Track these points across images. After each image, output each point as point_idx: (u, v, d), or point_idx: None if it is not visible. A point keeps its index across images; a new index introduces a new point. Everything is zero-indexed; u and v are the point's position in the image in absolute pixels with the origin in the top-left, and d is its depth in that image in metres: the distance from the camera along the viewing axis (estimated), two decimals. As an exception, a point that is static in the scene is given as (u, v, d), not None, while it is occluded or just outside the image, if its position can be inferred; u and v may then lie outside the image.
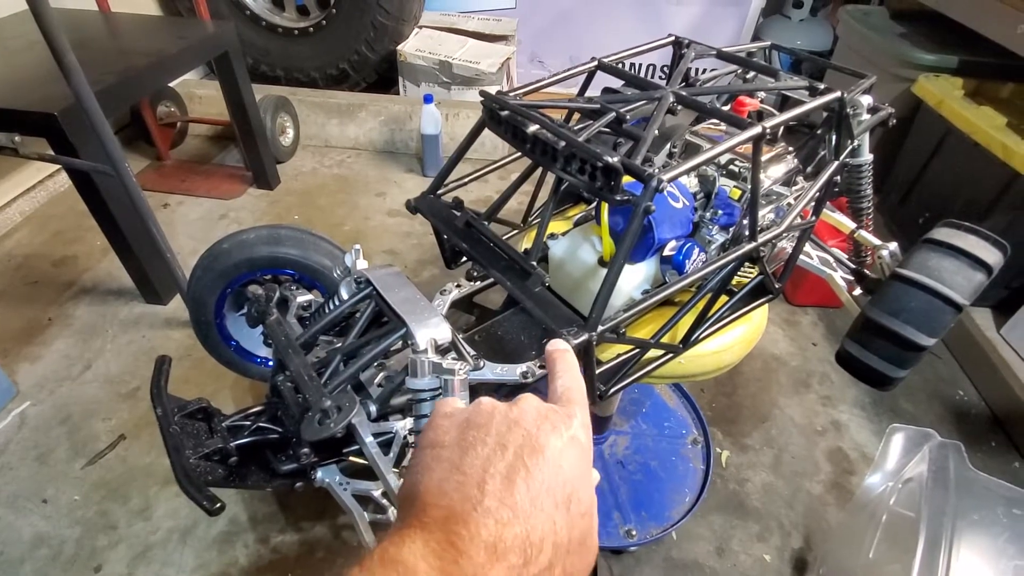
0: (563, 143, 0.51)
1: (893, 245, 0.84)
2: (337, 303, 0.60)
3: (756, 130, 0.54)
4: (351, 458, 0.55)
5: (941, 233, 0.74)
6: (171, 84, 2.10)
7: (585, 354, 0.53)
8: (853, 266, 0.91)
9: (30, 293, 1.54)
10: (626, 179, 0.52)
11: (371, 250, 1.76)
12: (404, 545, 0.26)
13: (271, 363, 0.88)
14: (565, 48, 2.70)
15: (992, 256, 0.71)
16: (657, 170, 0.49)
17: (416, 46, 2.27)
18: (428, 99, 1.98)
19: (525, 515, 0.28)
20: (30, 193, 1.83)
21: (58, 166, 1.78)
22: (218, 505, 0.44)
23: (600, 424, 1.14)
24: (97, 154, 1.15)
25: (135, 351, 1.39)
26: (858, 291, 0.89)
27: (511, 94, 0.63)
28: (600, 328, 0.51)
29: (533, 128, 0.54)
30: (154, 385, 0.52)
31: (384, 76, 2.37)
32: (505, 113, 0.57)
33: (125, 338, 1.42)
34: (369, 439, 0.50)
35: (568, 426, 0.32)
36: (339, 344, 0.56)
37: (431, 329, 0.46)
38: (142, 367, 1.35)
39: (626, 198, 0.50)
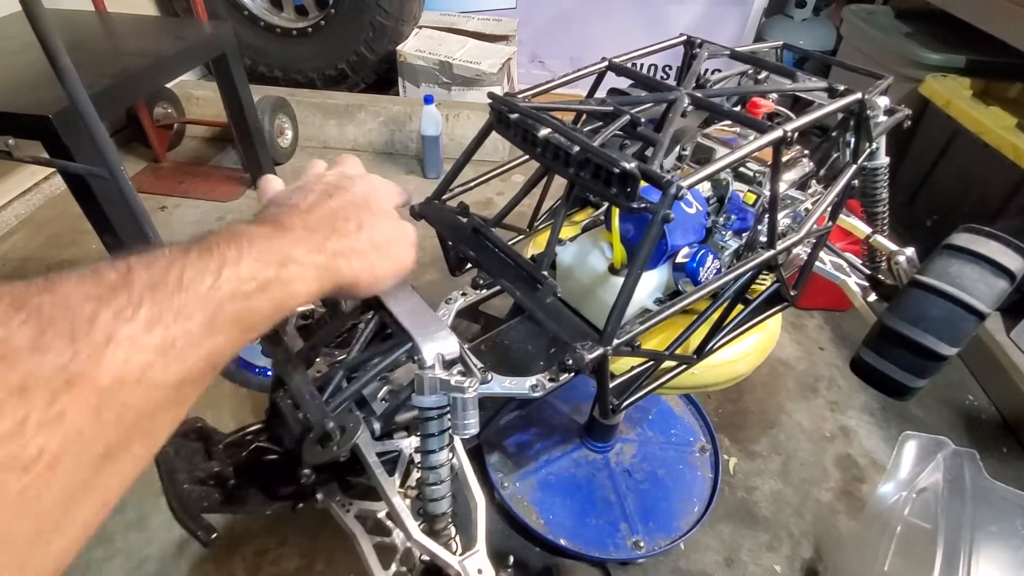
0: (577, 148, 0.49)
1: (910, 251, 0.82)
2: (339, 315, 0.58)
3: (777, 134, 0.52)
4: (353, 477, 0.53)
5: (962, 239, 0.72)
6: (168, 85, 2.07)
7: (600, 368, 0.51)
8: (867, 271, 0.88)
9: (24, 298, 1.51)
10: (641, 183, 0.49)
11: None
12: (240, 223, 0.36)
13: (269, 373, 0.86)
14: (566, 48, 2.68)
15: (1015, 263, 0.69)
16: (675, 176, 0.47)
17: (416, 46, 2.25)
18: (428, 100, 1.95)
19: (329, 206, 0.42)
20: (25, 196, 1.80)
21: (53, 169, 1.75)
22: (214, 535, 0.42)
23: (606, 432, 1.12)
24: (92, 157, 1.12)
25: (131, 357, 1.36)
26: (873, 297, 0.87)
27: (520, 96, 0.61)
28: (616, 342, 0.49)
29: (545, 132, 0.52)
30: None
31: (383, 77, 2.35)
32: (515, 116, 0.55)
33: (121, 344, 1.39)
34: (373, 459, 0.48)
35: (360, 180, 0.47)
36: (342, 357, 0.54)
37: (438, 343, 0.44)
38: (138, 374, 1.33)
39: (643, 205, 0.48)
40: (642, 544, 1.01)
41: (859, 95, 0.62)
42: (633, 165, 0.46)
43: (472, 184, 0.72)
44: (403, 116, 2.17)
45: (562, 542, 1.00)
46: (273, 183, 0.48)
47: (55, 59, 0.93)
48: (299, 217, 0.39)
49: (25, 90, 1.21)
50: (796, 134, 0.54)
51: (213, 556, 1.01)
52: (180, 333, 0.26)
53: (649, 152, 0.56)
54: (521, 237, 0.81)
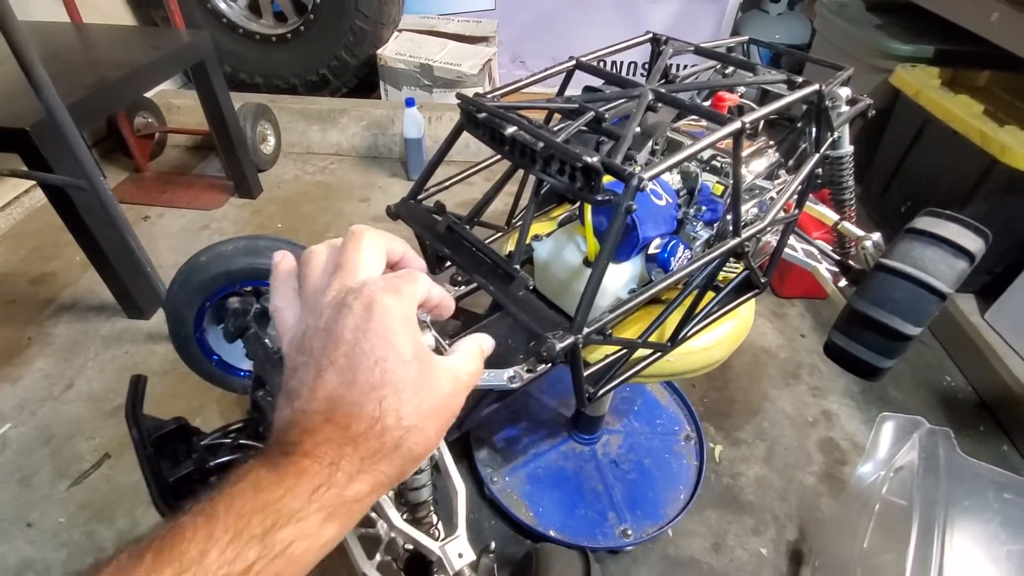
0: (541, 144, 0.51)
1: (876, 235, 0.84)
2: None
3: (736, 125, 0.54)
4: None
5: (923, 222, 0.75)
6: (148, 95, 2.06)
7: (572, 357, 0.53)
8: (838, 257, 0.91)
9: (8, 312, 1.50)
10: (609, 178, 0.51)
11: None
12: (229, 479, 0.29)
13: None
14: (546, 48, 2.70)
15: (974, 243, 0.71)
16: (639, 168, 0.49)
17: (396, 50, 2.26)
18: (410, 103, 1.96)
19: (329, 392, 0.31)
20: (5, 210, 1.79)
21: (33, 182, 1.74)
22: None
23: (593, 425, 1.13)
24: (72, 168, 1.12)
25: (118, 367, 1.36)
26: (843, 282, 0.89)
27: (489, 96, 0.63)
28: (586, 330, 0.50)
29: (511, 130, 0.53)
30: (128, 406, 0.50)
31: (365, 80, 2.35)
32: (483, 115, 0.57)
33: (108, 355, 1.39)
34: (354, 452, 0.49)
35: (365, 304, 0.32)
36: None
37: (414, 337, 0.45)
38: (125, 384, 1.31)
39: (607, 198, 0.50)
40: (630, 532, 1.02)
41: (817, 86, 0.64)
42: (596, 159, 0.47)
43: (447, 184, 0.73)
44: (385, 119, 2.18)
45: (552, 533, 1.02)
46: (284, 280, 0.37)
47: (30, 71, 0.93)
48: (306, 434, 0.30)
49: (1, 103, 1.20)
50: (757, 125, 0.56)
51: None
52: None
53: (614, 148, 0.58)
54: (499, 235, 0.83)
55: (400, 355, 0.31)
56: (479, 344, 0.38)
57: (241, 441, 0.49)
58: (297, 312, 0.35)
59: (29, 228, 1.80)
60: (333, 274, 0.34)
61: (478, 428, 1.17)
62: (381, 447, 0.30)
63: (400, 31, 2.38)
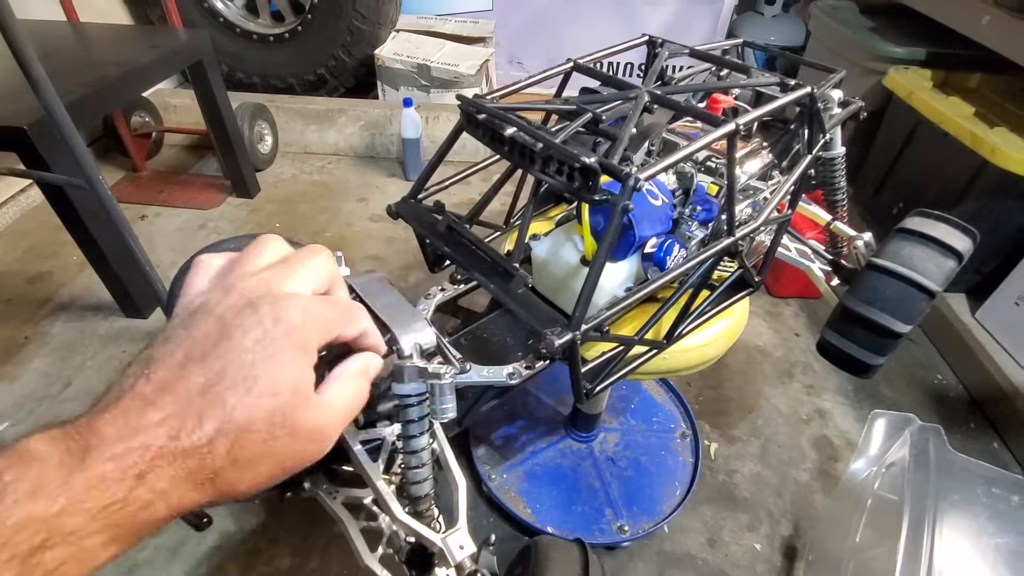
0: (540, 145, 0.52)
1: (868, 235, 0.86)
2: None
3: (730, 127, 0.55)
4: (339, 466, 0.55)
5: (913, 222, 0.76)
6: (145, 94, 2.06)
7: (570, 353, 0.54)
8: (830, 257, 0.92)
9: (5, 312, 1.50)
10: (605, 179, 0.52)
11: (355, 256, 1.75)
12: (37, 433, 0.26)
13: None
14: (543, 49, 2.71)
15: (962, 243, 0.73)
16: (635, 169, 0.50)
17: (394, 50, 2.27)
18: (408, 103, 1.97)
19: (185, 393, 0.27)
20: (1, 209, 1.79)
21: (30, 181, 1.74)
22: (205, 520, 0.44)
23: (590, 422, 1.15)
24: (70, 167, 1.12)
25: (116, 367, 1.36)
26: (836, 281, 0.91)
27: (488, 97, 0.64)
28: (584, 327, 0.51)
29: (510, 131, 0.54)
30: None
31: (362, 81, 2.36)
32: (482, 116, 0.58)
33: (105, 354, 1.39)
34: (357, 447, 0.50)
35: (275, 317, 0.29)
36: (323, 353, 0.56)
37: (416, 334, 0.46)
38: (124, 383, 1.33)
39: (604, 197, 0.51)
40: (626, 528, 1.04)
41: (809, 89, 0.66)
42: (593, 160, 0.48)
43: (447, 183, 0.74)
44: (383, 119, 2.19)
45: (549, 530, 1.03)
46: (198, 273, 0.33)
47: (28, 69, 0.93)
48: (123, 418, 0.26)
49: (-1, 102, 1.21)
50: (750, 126, 0.57)
51: (206, 558, 1.02)
52: None
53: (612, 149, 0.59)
54: (498, 234, 0.84)
55: (274, 384, 0.28)
56: (365, 366, 0.35)
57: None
58: (210, 280, 0.32)
59: (26, 227, 1.80)
60: (271, 266, 0.32)
61: (476, 425, 1.18)
62: (199, 471, 0.26)
63: (398, 31, 2.39)
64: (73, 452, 0.25)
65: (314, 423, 0.30)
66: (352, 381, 0.33)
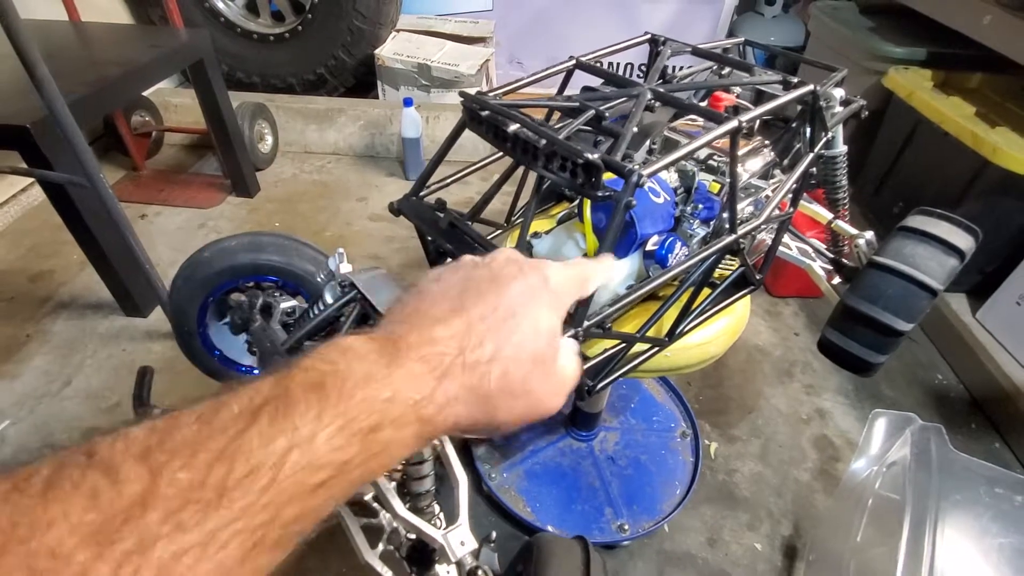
0: (544, 141, 0.52)
1: (869, 234, 0.86)
2: (321, 307, 0.60)
3: (732, 124, 0.55)
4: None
5: (915, 220, 0.76)
6: (145, 93, 2.06)
7: (572, 350, 0.54)
8: (831, 255, 0.92)
9: (6, 310, 1.50)
10: (607, 176, 0.52)
11: (354, 255, 1.75)
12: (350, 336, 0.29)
13: (256, 371, 0.88)
14: (543, 49, 2.71)
15: (964, 241, 0.73)
16: (637, 166, 0.50)
17: (394, 50, 2.27)
18: (408, 102, 1.97)
19: (468, 317, 0.31)
20: (3, 208, 1.79)
21: (31, 179, 1.74)
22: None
23: (590, 421, 1.14)
24: (71, 166, 1.12)
25: (116, 365, 1.36)
26: (837, 280, 0.91)
27: (491, 94, 0.64)
28: (586, 324, 0.51)
29: (514, 127, 0.54)
30: (136, 395, 0.51)
31: (362, 80, 2.36)
32: (485, 113, 0.58)
33: (105, 352, 1.39)
34: (358, 443, 0.50)
35: (536, 273, 0.34)
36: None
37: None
38: (123, 381, 1.33)
39: (607, 194, 0.51)
40: (627, 527, 1.04)
41: (812, 87, 0.66)
42: (597, 156, 0.48)
43: (450, 180, 0.74)
44: (383, 119, 2.19)
45: (549, 528, 1.03)
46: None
47: (32, 69, 0.93)
48: (418, 333, 0.29)
49: (1, 101, 1.20)
50: (753, 124, 0.57)
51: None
52: (211, 569, 0.20)
53: (615, 146, 0.59)
54: (499, 232, 0.84)
55: (537, 326, 0.32)
56: (575, 347, 0.39)
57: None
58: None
59: (27, 226, 1.80)
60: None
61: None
62: (478, 387, 0.29)
63: (398, 31, 2.39)
64: (385, 352, 0.28)
65: (561, 373, 0.34)
66: (577, 357, 0.37)
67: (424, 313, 0.31)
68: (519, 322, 0.31)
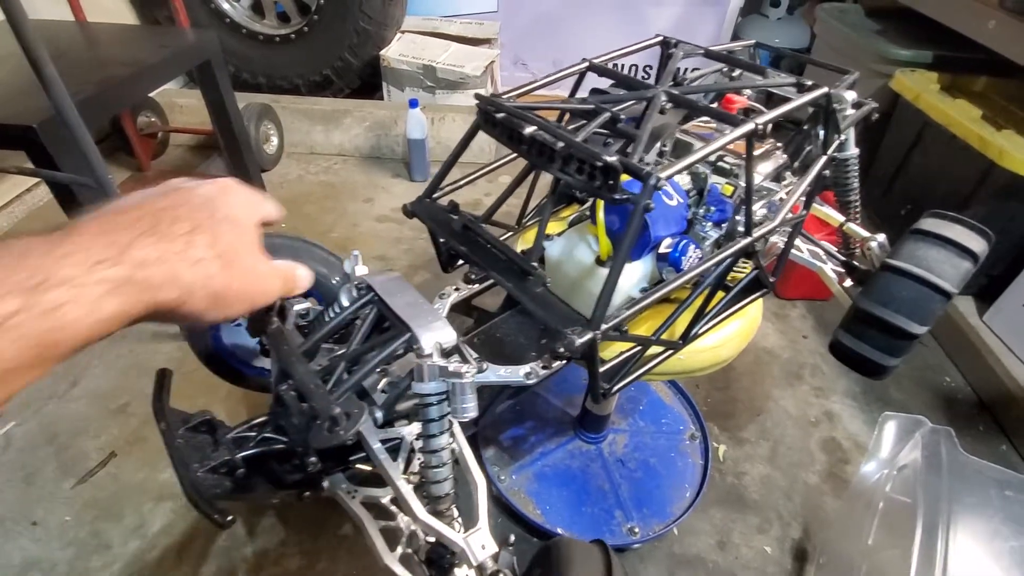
0: (561, 144, 0.52)
1: (881, 236, 0.86)
2: (338, 310, 0.60)
3: (749, 127, 0.55)
4: (357, 465, 0.55)
5: (928, 223, 0.76)
6: (151, 94, 2.07)
7: (590, 352, 0.54)
8: (843, 258, 0.92)
9: (11, 311, 1.50)
10: (624, 177, 0.52)
11: (361, 256, 1.75)
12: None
13: (268, 372, 0.88)
14: (548, 50, 2.71)
15: (978, 244, 0.73)
16: (653, 168, 0.50)
17: (399, 51, 2.27)
18: (413, 104, 1.97)
19: (158, 206, 0.33)
20: (8, 208, 1.79)
21: (37, 180, 1.74)
22: (229, 518, 0.44)
23: (599, 423, 1.14)
24: (78, 166, 1.12)
25: (123, 366, 1.36)
26: (848, 283, 0.91)
27: (504, 97, 0.64)
28: (604, 326, 0.51)
29: (530, 130, 0.54)
30: (156, 399, 0.51)
31: (368, 82, 2.36)
32: (501, 115, 0.58)
33: (112, 353, 1.39)
34: (376, 445, 0.50)
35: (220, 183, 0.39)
36: (341, 351, 0.56)
37: (436, 333, 0.46)
38: (131, 382, 1.33)
39: (625, 196, 0.51)
40: (637, 530, 1.03)
41: (826, 89, 0.66)
42: (615, 159, 0.48)
43: (461, 183, 0.74)
44: (388, 120, 2.19)
45: (559, 531, 1.02)
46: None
47: (40, 69, 0.93)
48: (98, 221, 0.30)
49: (8, 100, 1.20)
50: (768, 127, 0.57)
51: (215, 558, 1.02)
52: None
53: (631, 148, 0.59)
54: (510, 234, 0.84)
55: (231, 217, 0.35)
56: (294, 268, 0.44)
57: (266, 435, 0.50)
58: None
59: (32, 226, 1.80)
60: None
61: (485, 426, 1.17)
62: (184, 252, 0.31)
63: (403, 32, 2.39)
64: (54, 236, 0.29)
65: (275, 267, 0.39)
66: (283, 268, 0.42)
67: (105, 211, 0.32)
68: (215, 210, 0.35)
